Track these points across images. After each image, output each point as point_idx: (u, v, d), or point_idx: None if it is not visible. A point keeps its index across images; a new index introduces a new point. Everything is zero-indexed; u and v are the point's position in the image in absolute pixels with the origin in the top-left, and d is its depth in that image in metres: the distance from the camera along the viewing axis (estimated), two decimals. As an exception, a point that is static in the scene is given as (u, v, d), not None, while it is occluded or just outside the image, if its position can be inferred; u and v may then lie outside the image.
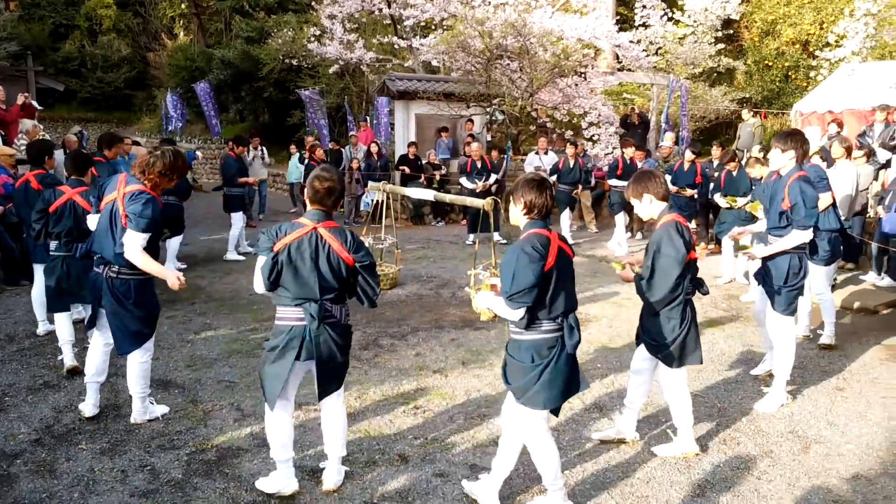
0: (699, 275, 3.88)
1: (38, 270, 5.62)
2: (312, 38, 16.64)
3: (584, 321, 6.55)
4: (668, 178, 9.08)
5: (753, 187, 7.74)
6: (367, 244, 7.81)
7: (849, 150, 7.50)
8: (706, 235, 10.06)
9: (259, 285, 3.34)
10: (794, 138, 4.65)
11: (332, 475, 3.60)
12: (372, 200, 8.95)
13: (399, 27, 16.30)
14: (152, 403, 4.40)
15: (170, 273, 4.04)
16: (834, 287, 7.37)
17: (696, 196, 9.28)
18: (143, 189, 3.97)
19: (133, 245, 3.89)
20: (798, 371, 5.29)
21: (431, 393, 4.84)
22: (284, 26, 19.45)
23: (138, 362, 4.19)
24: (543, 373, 3.15)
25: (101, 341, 4.30)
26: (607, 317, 6.69)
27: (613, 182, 10.22)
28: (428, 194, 8.31)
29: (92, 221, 4.26)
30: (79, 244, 4.84)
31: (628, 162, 10.26)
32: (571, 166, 10.55)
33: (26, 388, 4.81)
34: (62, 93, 22.34)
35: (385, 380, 5.06)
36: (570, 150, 10.65)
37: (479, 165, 11.04)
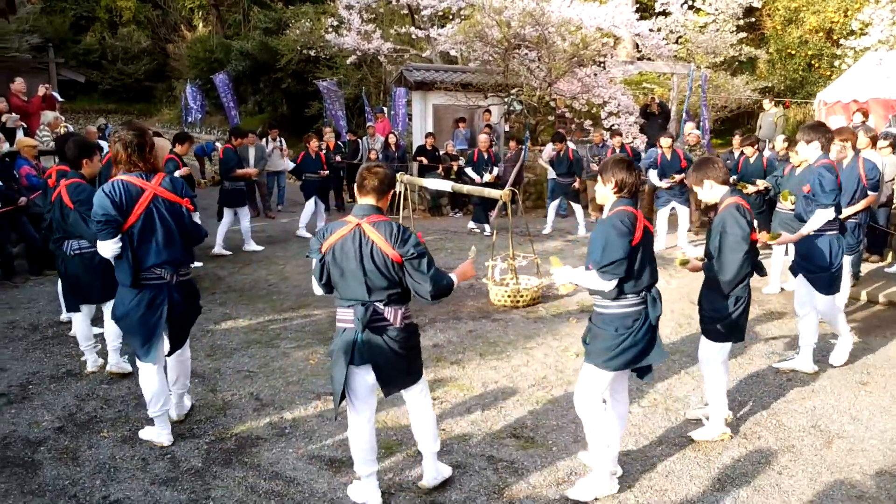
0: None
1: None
2: (330, 29, 16.65)
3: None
4: (655, 171, 9.36)
5: (768, 176, 7.69)
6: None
7: (874, 140, 7.37)
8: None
9: (316, 288, 3.29)
10: (818, 129, 4.93)
11: (430, 472, 3.49)
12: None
13: (416, 17, 16.25)
14: (187, 397, 4.37)
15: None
16: (858, 279, 7.25)
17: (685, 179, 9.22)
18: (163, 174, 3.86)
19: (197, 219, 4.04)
20: (821, 365, 5.22)
21: (449, 384, 4.84)
22: (302, 17, 19.50)
23: (188, 357, 4.19)
24: (625, 341, 3.34)
25: (175, 356, 4.05)
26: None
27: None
28: (445, 185, 8.28)
29: (106, 249, 3.71)
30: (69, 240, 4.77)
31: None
32: (561, 157, 10.82)
33: (49, 377, 4.88)
34: (83, 84, 22.57)
35: (402, 371, 5.06)
36: (558, 145, 10.88)
37: (485, 157, 11.26)
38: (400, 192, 8.03)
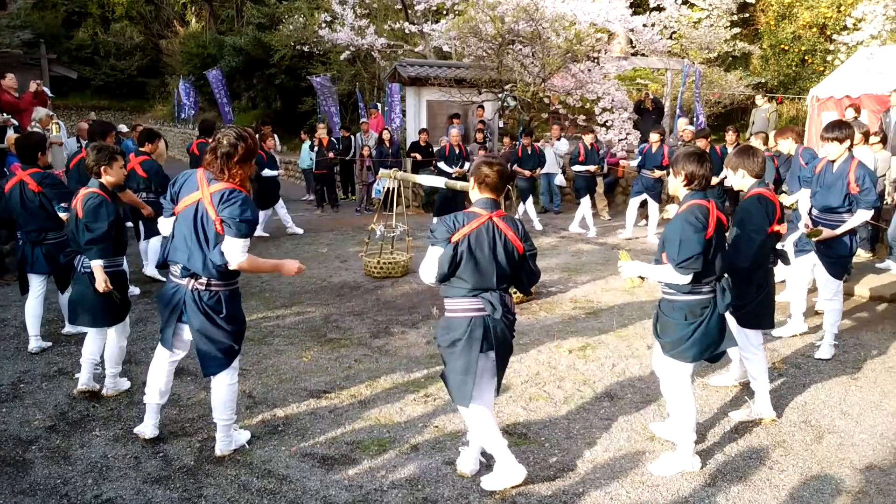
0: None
1: (35, 281, 5.24)
2: (323, 25, 16.60)
3: (595, 309, 6.53)
4: (639, 159, 9.77)
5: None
6: (378, 232, 7.88)
7: (866, 136, 7.39)
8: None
9: (430, 276, 3.30)
10: (844, 127, 5.24)
11: (472, 459, 3.63)
12: (383, 188, 8.93)
13: (410, 12, 16.21)
14: (236, 430, 3.95)
15: (287, 263, 3.67)
16: (849, 275, 7.29)
17: (664, 177, 9.52)
18: (234, 187, 3.41)
19: (236, 252, 3.41)
20: (812, 360, 5.25)
21: (442, 381, 4.83)
22: (295, 13, 19.42)
23: (227, 384, 3.72)
24: (696, 331, 3.50)
25: (166, 358, 3.83)
26: (618, 305, 6.66)
27: (577, 168, 10.71)
28: (439, 182, 8.27)
29: (165, 226, 3.64)
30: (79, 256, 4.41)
31: (589, 148, 10.73)
32: (529, 153, 11.09)
33: (41, 376, 4.86)
34: (76, 81, 22.48)
35: (396, 368, 5.07)
36: (525, 139, 11.17)
37: (456, 151, 11.36)
38: (393, 189, 8.03)
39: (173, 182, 3.56)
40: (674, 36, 15.99)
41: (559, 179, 12.52)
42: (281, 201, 10.35)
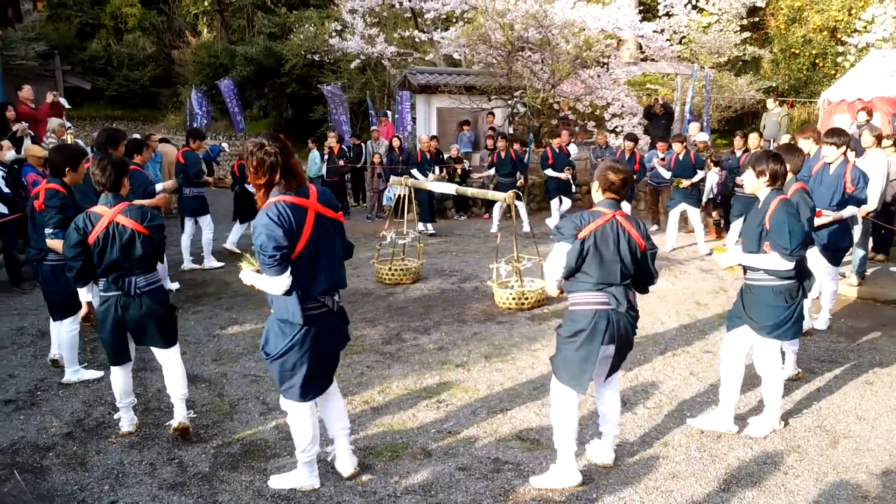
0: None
1: None
2: (334, 33, 16.69)
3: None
4: (660, 169, 9.86)
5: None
6: (389, 238, 7.91)
7: (879, 139, 7.34)
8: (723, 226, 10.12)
9: (557, 270, 3.45)
10: (842, 134, 5.80)
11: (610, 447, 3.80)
12: (394, 195, 8.97)
13: (420, 20, 16.28)
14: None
15: None
16: (864, 278, 7.24)
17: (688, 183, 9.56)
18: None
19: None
20: (826, 364, 5.22)
21: (454, 387, 4.85)
22: (306, 22, 19.56)
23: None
24: (795, 312, 3.95)
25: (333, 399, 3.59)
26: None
27: (547, 172, 10.78)
28: (450, 188, 8.30)
29: (281, 283, 3.15)
30: (130, 277, 3.89)
31: (557, 152, 10.81)
32: (503, 158, 11.05)
33: (57, 383, 4.91)
34: (89, 91, 22.72)
35: (408, 374, 5.08)
36: (501, 143, 11.17)
37: (428, 157, 11.45)
38: (404, 196, 8.06)
39: (285, 229, 3.06)
40: (683, 41, 15.98)
41: None
42: (209, 225, 8.84)
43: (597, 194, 3.54)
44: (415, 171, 11.17)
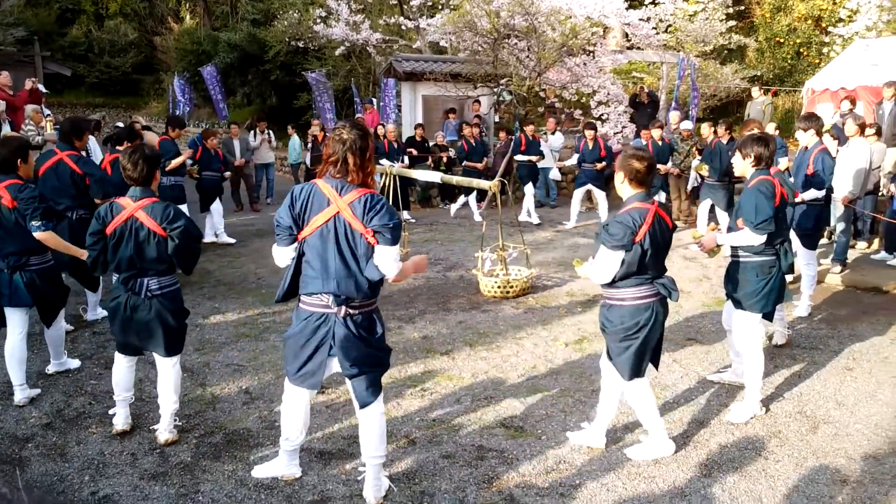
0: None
1: (13, 315, 4.37)
2: (318, 20, 16.54)
3: (591, 302, 6.53)
4: (577, 156, 10.32)
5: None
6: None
7: (862, 128, 7.39)
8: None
9: (607, 276, 3.49)
10: (812, 119, 6.17)
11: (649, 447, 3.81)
12: (379, 183, 8.93)
13: (405, 7, 16.18)
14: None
15: (418, 259, 3.37)
16: (845, 266, 7.31)
17: (604, 168, 10.05)
18: (370, 191, 3.05)
19: (391, 262, 3.03)
20: (807, 351, 5.27)
21: (438, 375, 4.84)
22: (290, 8, 19.35)
23: (380, 413, 3.30)
24: (766, 286, 4.17)
25: (305, 398, 3.37)
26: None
27: (519, 157, 11.07)
28: (435, 176, 8.27)
29: (283, 255, 3.22)
30: (142, 279, 3.70)
31: (530, 139, 11.18)
32: (474, 145, 11.45)
33: (37, 373, 4.85)
34: (70, 78, 22.40)
35: (392, 362, 5.04)
36: (466, 130, 11.52)
37: (395, 146, 11.49)
38: (389, 185, 8.02)
39: (290, 205, 3.04)
40: (669, 29, 15.95)
41: (554, 174, 12.53)
42: (219, 206, 9.42)
43: (623, 186, 3.55)
44: (384, 161, 11.13)
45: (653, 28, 14.27)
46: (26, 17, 23.52)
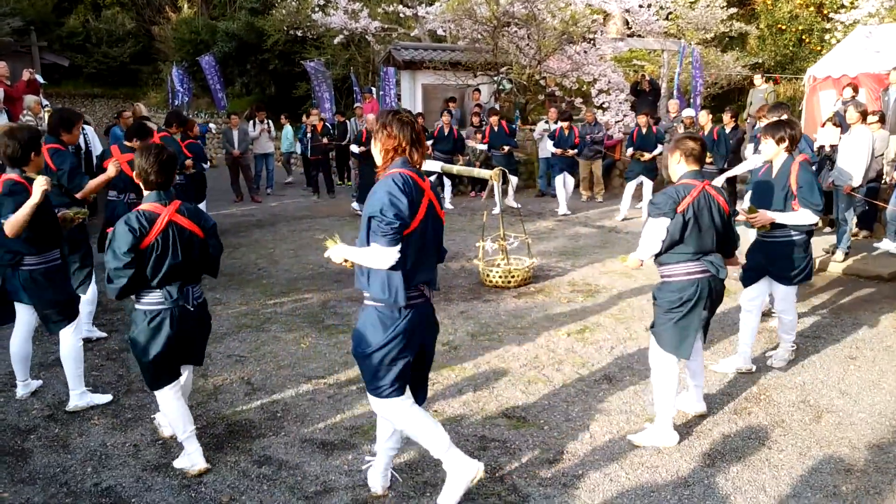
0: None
1: (22, 311, 4.25)
2: (317, 8, 16.44)
3: (593, 291, 6.52)
4: (551, 142, 10.80)
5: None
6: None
7: (864, 115, 7.35)
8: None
9: (655, 245, 3.58)
10: (783, 126, 5.62)
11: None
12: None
13: (404, -5, 16.05)
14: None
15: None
16: (848, 254, 7.28)
17: (576, 154, 10.88)
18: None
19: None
20: (810, 340, 5.26)
21: (440, 365, 4.83)
22: (288, -4, 19.21)
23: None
24: (810, 259, 4.61)
25: (415, 407, 3.16)
26: (617, 287, 6.65)
27: (477, 146, 11.63)
28: (435, 166, 8.23)
29: (388, 257, 2.81)
30: (187, 287, 3.41)
31: (496, 130, 11.40)
32: (446, 134, 11.45)
33: (38, 365, 4.84)
34: (67, 68, 22.24)
35: (394, 353, 5.05)
36: (445, 118, 11.62)
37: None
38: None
39: (410, 198, 2.81)
40: (670, 17, 15.87)
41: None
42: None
43: (679, 165, 3.69)
44: (353, 147, 10.95)
45: (653, 15, 14.19)
46: (23, 6, 23.32)
